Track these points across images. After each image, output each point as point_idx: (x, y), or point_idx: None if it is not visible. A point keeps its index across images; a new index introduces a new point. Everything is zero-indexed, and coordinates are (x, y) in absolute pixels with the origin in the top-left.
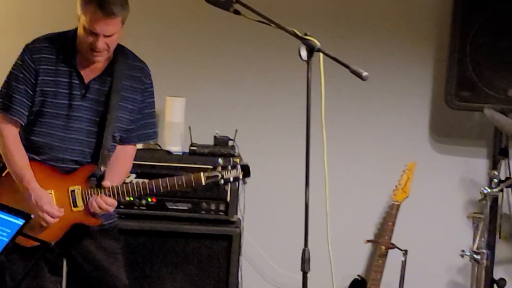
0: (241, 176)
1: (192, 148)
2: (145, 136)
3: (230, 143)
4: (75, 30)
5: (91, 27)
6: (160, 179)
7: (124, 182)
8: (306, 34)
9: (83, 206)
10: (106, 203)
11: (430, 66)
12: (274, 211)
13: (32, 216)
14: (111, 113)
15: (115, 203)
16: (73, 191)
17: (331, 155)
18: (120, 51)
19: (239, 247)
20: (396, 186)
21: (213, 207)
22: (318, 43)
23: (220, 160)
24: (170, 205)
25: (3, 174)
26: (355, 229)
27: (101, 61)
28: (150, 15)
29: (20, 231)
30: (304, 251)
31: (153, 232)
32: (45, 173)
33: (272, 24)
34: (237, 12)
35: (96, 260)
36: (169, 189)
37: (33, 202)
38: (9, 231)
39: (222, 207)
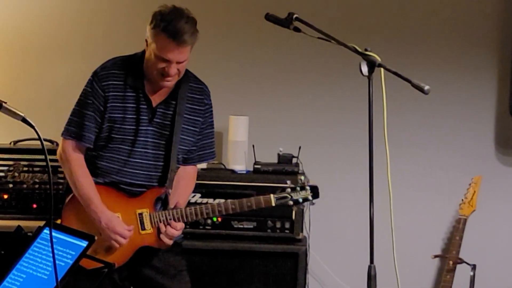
0: (310, 197)
1: (256, 166)
2: (205, 156)
3: (294, 160)
4: (142, 53)
5: (163, 55)
6: (229, 201)
7: (190, 202)
8: (366, 50)
9: (152, 229)
10: (176, 229)
11: (494, 77)
12: (339, 228)
13: (96, 238)
14: (176, 136)
15: (183, 226)
16: (140, 214)
17: (395, 170)
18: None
19: (306, 264)
20: (462, 200)
21: (278, 225)
22: (378, 58)
23: (289, 181)
24: (236, 224)
25: (67, 199)
26: (422, 244)
27: (170, 86)
28: (211, 34)
29: (84, 253)
30: (370, 267)
31: (219, 252)
32: (112, 197)
33: (332, 41)
34: (297, 30)
35: (162, 279)
36: (238, 210)
37: (103, 226)
38: (73, 253)
39: (287, 225)
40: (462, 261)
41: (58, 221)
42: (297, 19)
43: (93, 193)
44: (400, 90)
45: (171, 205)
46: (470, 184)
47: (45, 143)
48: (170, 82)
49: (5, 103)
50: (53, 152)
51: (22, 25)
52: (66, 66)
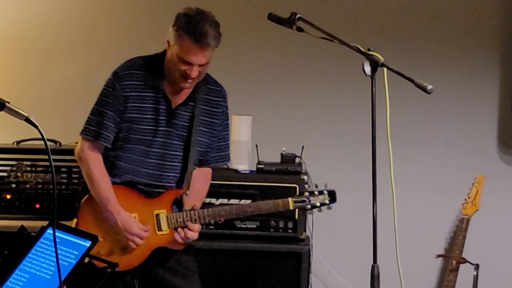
0: (327, 202)
1: (259, 166)
2: (220, 158)
3: (297, 160)
4: (162, 53)
5: (186, 57)
6: (246, 203)
7: (204, 203)
8: (369, 50)
9: (168, 230)
10: (193, 231)
11: (496, 76)
12: (342, 228)
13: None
14: (193, 138)
15: (200, 228)
16: (158, 214)
17: (397, 169)
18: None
19: (309, 264)
20: (465, 199)
21: (281, 225)
22: (381, 58)
23: (307, 186)
24: (238, 224)
25: (84, 199)
26: (425, 244)
27: (190, 88)
28: None
29: (87, 253)
30: (373, 267)
31: (222, 251)
32: (129, 197)
33: (335, 40)
34: (300, 30)
35: (174, 280)
36: (255, 213)
37: (120, 226)
38: (76, 253)
39: (290, 225)
40: (465, 261)
41: (74, 221)
42: (300, 19)
43: (110, 193)
44: (403, 89)
45: (188, 207)
46: (473, 184)
47: (48, 143)
48: (190, 84)
49: (8, 103)
50: (56, 152)
51: (25, 26)
52: (69, 66)
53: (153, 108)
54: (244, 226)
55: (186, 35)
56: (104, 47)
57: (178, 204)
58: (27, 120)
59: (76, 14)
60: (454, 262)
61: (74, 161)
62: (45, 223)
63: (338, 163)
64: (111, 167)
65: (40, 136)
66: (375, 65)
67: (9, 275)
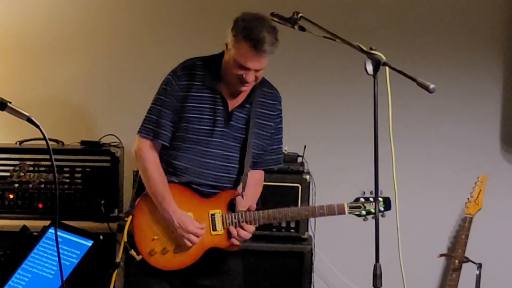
0: (382, 208)
1: None
2: (273, 161)
3: (299, 159)
4: (221, 55)
5: (243, 62)
6: (301, 206)
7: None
8: (371, 48)
9: (223, 230)
10: (248, 231)
11: (499, 75)
12: (344, 227)
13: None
14: (249, 140)
15: (254, 229)
16: (213, 214)
17: (400, 169)
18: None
19: (311, 263)
20: (468, 198)
21: (284, 224)
22: (383, 57)
23: (362, 192)
24: None
25: (140, 197)
26: (428, 243)
27: (246, 91)
28: (215, 33)
29: (89, 253)
30: (375, 266)
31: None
32: (185, 196)
33: (337, 39)
34: (302, 29)
35: (216, 281)
36: (310, 217)
37: (176, 225)
38: (78, 252)
39: (292, 224)
40: (468, 260)
41: (130, 218)
42: (302, 18)
43: (166, 192)
44: (405, 88)
45: (243, 208)
46: (475, 183)
47: (50, 143)
48: (246, 88)
49: (10, 102)
50: (59, 152)
51: (27, 26)
52: (71, 66)
53: (210, 108)
54: None
55: (243, 40)
56: (106, 48)
57: (232, 205)
58: (29, 120)
59: (78, 14)
60: (456, 261)
61: (76, 160)
62: (48, 222)
63: (340, 162)
64: (167, 166)
65: (42, 136)
66: (377, 64)
67: (11, 274)
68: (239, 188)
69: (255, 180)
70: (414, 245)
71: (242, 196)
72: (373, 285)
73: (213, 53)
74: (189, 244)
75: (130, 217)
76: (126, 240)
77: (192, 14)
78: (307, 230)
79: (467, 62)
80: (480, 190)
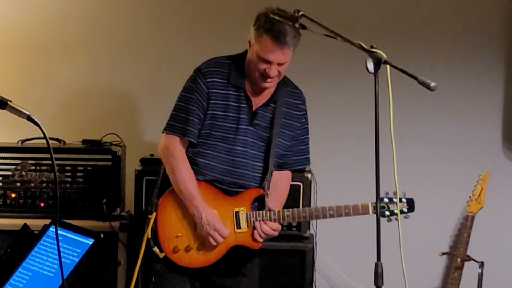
0: (405, 210)
1: None
2: (300, 161)
3: None
4: (244, 54)
5: (265, 55)
6: (327, 206)
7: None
8: (372, 47)
9: (247, 228)
10: (272, 229)
11: (501, 73)
12: (346, 225)
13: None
14: (274, 139)
15: (279, 227)
16: (237, 212)
17: (402, 167)
18: (281, 78)
19: (313, 262)
20: (470, 197)
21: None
22: (384, 55)
23: (385, 193)
24: None
25: (164, 195)
26: (429, 242)
27: (270, 87)
28: (216, 33)
29: (90, 251)
30: (377, 265)
31: None
32: (209, 194)
33: (338, 38)
34: (303, 27)
35: (231, 280)
36: (335, 216)
37: (204, 221)
38: (79, 251)
39: (294, 223)
40: (470, 258)
41: (153, 215)
42: (303, 16)
43: (196, 189)
44: (407, 87)
45: (268, 207)
46: (477, 181)
47: (52, 142)
48: (270, 84)
49: (10, 101)
50: (60, 151)
51: (28, 26)
52: (72, 66)
53: (235, 106)
54: None
55: (265, 34)
56: (106, 47)
57: (259, 204)
58: (29, 119)
59: (78, 14)
60: (458, 259)
61: (78, 159)
62: (49, 221)
63: (341, 161)
64: (191, 163)
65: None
66: (378, 62)
67: (12, 273)
68: (264, 187)
69: (284, 180)
70: (415, 244)
71: (267, 195)
72: (375, 284)
73: (213, 53)
74: (214, 242)
75: (154, 214)
76: (150, 237)
77: (192, 14)
78: (309, 229)
79: (468, 61)
80: (482, 189)
